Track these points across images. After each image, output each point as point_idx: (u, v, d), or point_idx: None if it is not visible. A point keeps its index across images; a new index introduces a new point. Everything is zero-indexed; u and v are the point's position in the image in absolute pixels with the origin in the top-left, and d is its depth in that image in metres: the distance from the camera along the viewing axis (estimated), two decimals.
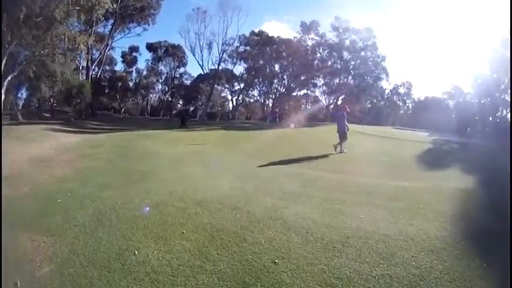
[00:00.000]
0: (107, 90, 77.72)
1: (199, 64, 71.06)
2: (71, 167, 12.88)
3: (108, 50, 65.57)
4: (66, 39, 30.56)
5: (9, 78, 29.16)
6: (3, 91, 27.83)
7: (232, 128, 39.03)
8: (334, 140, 19.60)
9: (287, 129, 36.71)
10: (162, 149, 18.72)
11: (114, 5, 53.75)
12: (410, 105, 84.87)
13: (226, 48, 69.60)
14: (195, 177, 11.66)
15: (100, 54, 59.19)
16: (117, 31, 60.44)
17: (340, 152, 18.66)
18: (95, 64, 58.81)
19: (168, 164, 14.15)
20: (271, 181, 11.25)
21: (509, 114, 45.11)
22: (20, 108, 46.97)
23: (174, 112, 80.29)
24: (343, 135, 18.88)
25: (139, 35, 64.18)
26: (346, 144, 19.10)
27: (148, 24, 62.05)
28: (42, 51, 31.76)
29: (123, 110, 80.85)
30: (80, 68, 55.99)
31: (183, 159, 15.63)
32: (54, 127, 29.31)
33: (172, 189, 9.68)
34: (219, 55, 69.16)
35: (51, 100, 50.97)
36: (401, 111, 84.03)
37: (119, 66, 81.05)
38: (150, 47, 76.74)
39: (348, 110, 21.75)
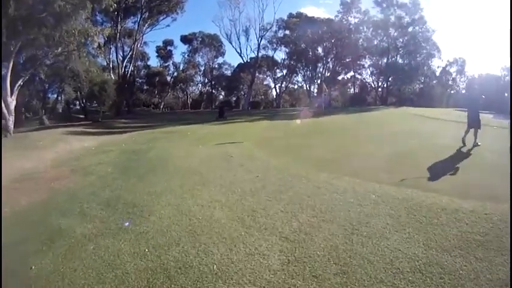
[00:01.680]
0: (145, 87, 76.08)
1: (238, 52, 65.74)
2: (45, 191, 10.38)
3: (141, 46, 62.66)
4: (76, 33, 26.45)
5: (20, 82, 25.42)
6: (13, 96, 24.30)
7: (278, 117, 34.19)
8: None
9: (342, 116, 32.07)
10: (181, 153, 14.91)
11: None
12: (462, 84, 75.56)
13: (264, 33, 64.99)
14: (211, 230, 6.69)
15: (130, 50, 55.38)
16: (147, 24, 56.57)
17: (474, 146, 13.50)
18: (126, 60, 55.12)
19: (173, 187, 9.61)
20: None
21: None
22: (48, 111, 43.09)
23: (216, 104, 75.85)
24: (476, 123, 13.95)
25: (168, 25, 59.89)
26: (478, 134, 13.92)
27: (177, 13, 57.63)
28: (56, 50, 27.79)
29: (162, 104, 77.38)
30: (111, 66, 52.61)
31: (202, 174, 10.69)
32: (76, 129, 27.68)
33: None
34: (258, 41, 64.70)
35: (83, 100, 46.76)
36: (453, 91, 75.35)
37: (154, 61, 78.28)
38: (185, 39, 72.65)
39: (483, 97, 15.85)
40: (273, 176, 9.72)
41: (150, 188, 9.50)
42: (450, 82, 73.24)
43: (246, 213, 7.17)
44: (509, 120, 18.17)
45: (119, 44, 54.05)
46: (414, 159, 11.58)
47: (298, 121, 28.15)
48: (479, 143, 13.63)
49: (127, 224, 7.16)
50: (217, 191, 8.75)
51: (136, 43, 56.15)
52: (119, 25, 50.44)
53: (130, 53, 55.36)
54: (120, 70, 52.53)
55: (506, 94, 54.91)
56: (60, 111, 49.98)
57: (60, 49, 27.92)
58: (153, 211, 7.77)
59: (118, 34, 50.64)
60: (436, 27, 75.62)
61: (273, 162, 11.47)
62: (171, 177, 10.56)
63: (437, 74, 69.27)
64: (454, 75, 72.80)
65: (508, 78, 60.65)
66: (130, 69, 56.74)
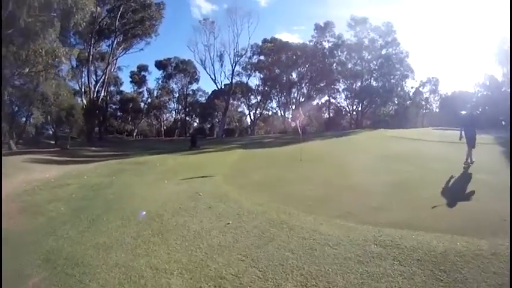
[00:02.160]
0: (119, 113, 74.50)
1: (212, 78, 63.88)
2: None
3: (114, 70, 61.58)
4: (43, 53, 24.75)
5: None
6: None
7: (252, 145, 32.46)
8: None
9: (320, 141, 31.56)
10: (144, 191, 12.82)
11: (112, 20, 49.59)
12: (435, 103, 76.39)
13: (239, 59, 63.97)
14: None
15: (103, 74, 53.75)
16: (120, 48, 55.13)
17: (470, 164, 14.08)
18: (98, 85, 53.48)
19: (126, 239, 7.73)
20: None
21: None
22: (17, 135, 40.57)
23: (190, 131, 73.72)
24: (472, 143, 14.57)
25: (142, 49, 58.46)
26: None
27: (151, 37, 56.53)
28: (23, 70, 26.10)
29: (135, 132, 75.45)
30: (83, 90, 51.22)
31: (162, 220, 8.74)
32: (42, 157, 25.50)
33: None
34: (232, 67, 63.56)
35: (53, 125, 44.29)
36: (427, 110, 75.46)
37: (128, 87, 77.33)
38: (160, 64, 71.65)
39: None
40: (247, 223, 7.90)
41: (100, 239, 7.67)
42: (423, 102, 73.59)
43: (212, 282, 5.32)
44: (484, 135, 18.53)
45: (92, 68, 52.72)
46: (413, 190, 10.20)
47: (274, 149, 26.74)
48: (473, 160, 14.17)
49: None
50: (178, 246, 6.88)
51: (109, 67, 54.63)
52: (92, 48, 48.72)
53: (102, 78, 53.75)
54: (91, 95, 50.46)
55: (479, 109, 56.52)
56: (32, 135, 47.60)
57: (27, 69, 26.37)
58: (96, 274, 5.98)
59: (91, 57, 49.03)
60: (408, 48, 76.07)
61: (247, 204, 9.62)
62: (126, 222, 8.64)
63: (411, 94, 69.76)
64: (427, 94, 73.91)
65: (482, 93, 62.09)
66: (102, 95, 54.64)
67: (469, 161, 14.18)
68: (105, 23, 49.49)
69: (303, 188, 11.34)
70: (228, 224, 7.96)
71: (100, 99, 53.02)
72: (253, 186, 12.24)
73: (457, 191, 10.02)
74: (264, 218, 8.12)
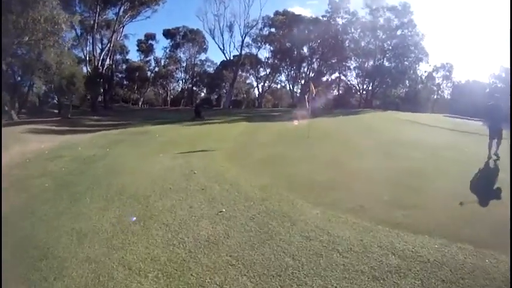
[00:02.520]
0: (125, 82, 72.35)
1: (220, 49, 62.14)
2: None
3: (121, 38, 59.16)
4: (42, 20, 23.61)
5: None
6: None
7: (258, 119, 31.24)
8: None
9: (329, 119, 29.77)
10: (136, 165, 11.83)
11: None
12: (447, 90, 73.85)
13: (249, 30, 62.00)
14: None
15: (108, 42, 51.62)
16: (127, 16, 52.42)
17: (493, 157, 12.72)
18: (103, 53, 51.23)
19: (104, 225, 6.78)
20: None
21: None
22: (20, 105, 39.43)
23: (196, 102, 72.05)
24: (495, 135, 13.03)
25: (149, 17, 55.31)
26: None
27: (159, 5, 53.42)
28: (22, 39, 24.99)
29: (141, 101, 73.87)
30: (87, 59, 48.81)
31: (148, 203, 7.75)
32: (42, 127, 24.64)
33: None
34: (242, 38, 61.69)
35: (57, 95, 43.02)
36: (438, 96, 73.43)
37: (134, 55, 74.57)
38: (167, 33, 68.78)
39: None
40: (243, 213, 6.85)
41: (77, 223, 6.77)
42: (434, 88, 71.37)
43: None
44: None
45: (97, 36, 50.52)
46: (430, 182, 8.96)
47: (281, 124, 25.62)
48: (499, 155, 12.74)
49: None
50: (160, 239, 5.87)
51: (115, 35, 52.44)
52: (97, 15, 46.62)
53: (108, 46, 51.62)
54: (96, 63, 48.42)
55: (490, 102, 53.82)
56: (36, 105, 46.12)
57: (27, 38, 25.27)
58: (64, 270, 5.10)
59: (96, 25, 46.90)
60: (425, 31, 73.04)
61: (245, 187, 8.54)
62: (109, 204, 7.72)
63: (424, 78, 67.13)
64: (439, 80, 71.17)
65: (496, 85, 60.12)
66: (107, 63, 52.75)
67: (492, 154, 12.87)
68: None
69: (310, 170, 10.24)
70: (220, 212, 6.95)
71: (105, 68, 51.47)
72: (255, 165, 11.15)
73: (480, 190, 8.63)
74: (263, 208, 7.09)
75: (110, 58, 54.46)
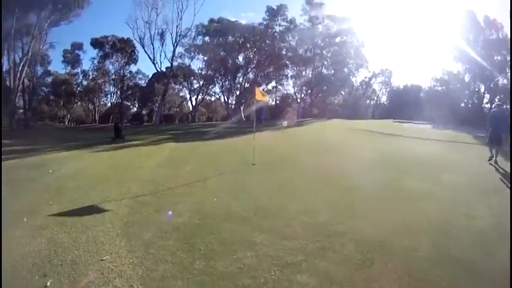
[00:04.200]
0: (51, 97, 65.05)
1: (150, 59, 56.54)
2: None
3: (44, 47, 51.85)
4: None
5: None
6: None
7: (190, 137, 26.50)
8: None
9: (276, 132, 26.88)
10: None
11: None
12: (384, 96, 74.63)
13: (181, 39, 56.85)
14: None
15: (27, 50, 43.75)
16: (49, 21, 45.14)
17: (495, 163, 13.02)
18: (23, 62, 43.43)
19: None
20: None
21: None
22: None
23: (129, 117, 67.84)
24: (498, 141, 13.39)
25: (71, 22, 48.48)
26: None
27: (82, 7, 47.14)
28: None
29: (68, 118, 67.53)
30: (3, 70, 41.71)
31: None
32: None
33: None
34: (174, 47, 56.51)
35: None
36: (377, 102, 74.08)
37: (59, 67, 67.01)
38: (95, 42, 62.38)
39: None
40: None
41: None
42: (370, 93, 71.90)
43: None
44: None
45: (19, 44, 43.53)
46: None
47: (216, 144, 20.95)
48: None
49: None
50: None
51: (36, 43, 45.46)
52: (14, 20, 39.48)
53: (26, 55, 43.84)
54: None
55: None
56: None
57: None
58: None
59: (12, 30, 39.72)
60: (364, 38, 72.76)
61: None
62: None
63: (363, 85, 67.83)
64: (379, 86, 71.76)
65: (438, 88, 60.53)
66: (23, 74, 44.77)
67: (493, 157, 13.40)
68: None
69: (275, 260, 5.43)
70: None
71: (21, 81, 44.13)
72: (160, 253, 5.74)
73: None
74: None
75: (29, 68, 47.47)
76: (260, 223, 6.95)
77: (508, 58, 45.39)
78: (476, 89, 53.66)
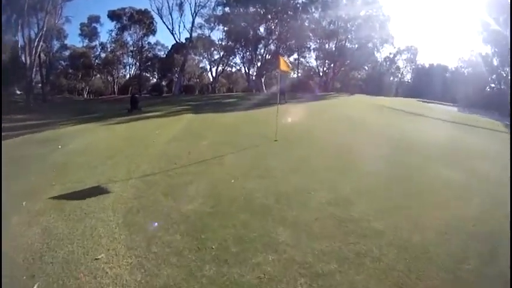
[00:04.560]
0: (70, 70, 64.15)
1: (169, 29, 56.23)
2: None
3: (60, 22, 51.22)
4: None
5: None
6: None
7: (208, 108, 25.68)
8: None
9: (293, 107, 24.69)
10: None
11: None
12: (408, 73, 71.44)
13: (200, 9, 55.94)
14: None
15: (42, 25, 42.15)
16: None
17: None
18: (38, 38, 41.82)
19: None
20: None
21: None
22: None
23: (149, 88, 67.28)
24: None
25: None
26: None
27: None
28: None
29: (87, 90, 67.28)
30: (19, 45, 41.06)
31: None
32: None
33: None
34: (192, 17, 55.85)
35: None
36: (401, 79, 71.18)
37: (76, 40, 67.11)
38: (113, 15, 61.02)
39: None
40: None
41: None
42: (393, 70, 69.03)
43: None
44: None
45: (34, 19, 42.19)
46: None
47: (235, 116, 19.98)
48: None
49: None
50: None
51: (52, 18, 44.84)
52: None
53: (41, 29, 42.40)
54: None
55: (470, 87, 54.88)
56: None
57: None
58: None
59: (26, 5, 38.62)
60: (390, 13, 68.94)
61: None
62: None
63: (387, 61, 64.99)
64: (402, 63, 68.50)
65: (465, 70, 58.64)
66: (39, 49, 43.21)
67: None
68: None
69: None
70: None
71: (37, 55, 42.76)
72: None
73: None
74: None
75: (45, 43, 46.57)
76: (283, 214, 5.93)
77: None
78: (504, 74, 49.98)
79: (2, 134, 15.46)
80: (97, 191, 7.06)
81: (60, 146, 12.18)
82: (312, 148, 11.52)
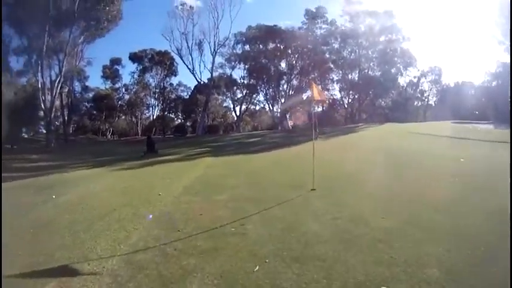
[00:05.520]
0: (94, 112, 65.10)
1: (189, 69, 55.23)
2: None
3: (80, 63, 51.33)
4: None
5: None
6: None
7: (231, 149, 23.67)
8: None
9: (330, 144, 22.48)
10: None
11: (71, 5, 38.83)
12: (432, 96, 68.94)
13: (219, 47, 55.23)
14: None
15: (61, 66, 41.53)
16: (83, 37, 44.02)
17: None
18: (58, 79, 41.54)
19: None
20: None
21: None
22: None
23: (172, 129, 66.18)
24: None
25: (103, 36, 47.09)
26: None
27: (117, 24, 45.65)
28: None
29: (110, 131, 67.00)
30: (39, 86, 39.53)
31: None
32: None
33: None
34: (213, 56, 55.01)
35: None
36: (428, 102, 68.72)
37: (98, 82, 68.65)
38: (134, 56, 61.16)
39: None
40: None
41: None
42: (419, 95, 67.18)
43: None
44: None
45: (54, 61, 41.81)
46: None
47: (260, 158, 17.92)
48: None
49: None
50: None
51: (72, 60, 44.84)
52: (45, 36, 37.71)
53: (62, 71, 41.90)
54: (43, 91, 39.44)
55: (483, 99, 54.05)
56: None
57: None
58: None
59: (44, 47, 38.05)
60: (410, 35, 67.07)
61: None
62: None
63: (412, 85, 63.59)
64: (428, 86, 66.38)
65: (493, 84, 55.86)
66: (58, 90, 43.08)
67: None
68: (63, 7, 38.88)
69: None
70: None
71: (55, 96, 42.13)
72: None
73: None
74: None
75: (66, 85, 47.05)
76: None
77: None
78: None
79: (4, 175, 13.55)
80: (59, 273, 4.82)
81: (54, 196, 10.06)
82: (362, 197, 8.72)
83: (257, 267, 4.78)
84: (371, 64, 55.61)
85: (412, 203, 8.04)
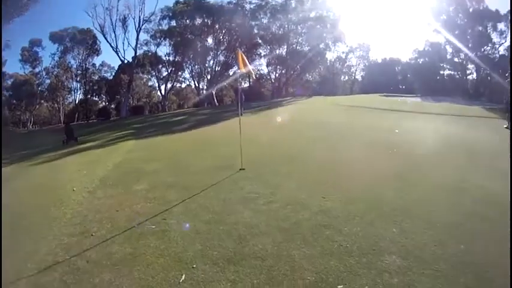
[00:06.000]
0: (14, 101, 59.16)
1: (112, 47, 51.61)
2: None
3: None
4: None
5: None
6: None
7: (154, 130, 22.62)
8: None
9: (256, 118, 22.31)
10: None
11: None
12: (359, 71, 72.51)
13: (144, 23, 52.61)
14: None
15: None
16: None
17: None
18: None
19: None
20: None
21: None
22: None
23: (96, 113, 62.45)
24: None
25: (22, 14, 42.80)
26: None
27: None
28: None
29: (31, 121, 61.95)
30: None
31: None
32: None
33: None
34: (137, 33, 52.27)
35: None
36: (355, 78, 72.08)
37: (17, 67, 62.33)
38: (55, 36, 56.58)
39: None
40: None
41: None
42: (345, 69, 70.93)
43: None
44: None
45: None
46: None
47: (181, 136, 17.82)
48: None
49: None
50: None
51: None
52: None
53: None
54: None
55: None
56: None
57: None
58: None
59: None
60: (340, 12, 71.45)
61: None
62: None
63: (340, 61, 66.47)
64: (355, 61, 69.58)
65: (420, 61, 59.85)
66: None
67: None
68: None
69: None
70: None
71: None
72: None
73: None
74: None
75: None
76: None
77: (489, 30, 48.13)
78: (458, 60, 53.74)
79: None
80: None
81: None
82: (299, 177, 8.14)
83: (183, 277, 4.08)
84: (300, 39, 56.57)
85: (352, 178, 7.74)
